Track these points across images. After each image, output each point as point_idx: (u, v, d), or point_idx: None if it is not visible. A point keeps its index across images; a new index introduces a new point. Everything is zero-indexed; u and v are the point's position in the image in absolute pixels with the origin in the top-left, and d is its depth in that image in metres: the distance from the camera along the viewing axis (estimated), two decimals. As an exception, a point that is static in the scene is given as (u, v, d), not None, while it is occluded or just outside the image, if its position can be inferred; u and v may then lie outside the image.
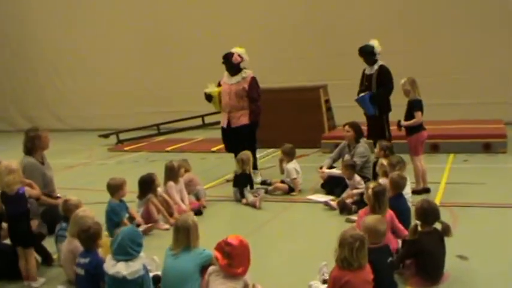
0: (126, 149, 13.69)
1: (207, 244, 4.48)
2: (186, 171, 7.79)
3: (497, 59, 13.87)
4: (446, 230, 4.63)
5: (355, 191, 7.16)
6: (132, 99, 17.49)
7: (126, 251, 4.26)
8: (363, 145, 7.93)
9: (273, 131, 11.68)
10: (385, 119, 8.50)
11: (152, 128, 15.19)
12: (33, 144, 6.52)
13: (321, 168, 8.22)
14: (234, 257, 4.06)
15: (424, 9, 14.54)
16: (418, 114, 7.49)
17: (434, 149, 10.49)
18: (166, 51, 17.05)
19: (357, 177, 7.36)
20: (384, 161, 6.76)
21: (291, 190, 8.12)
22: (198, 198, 7.69)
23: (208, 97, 8.99)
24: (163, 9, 17.14)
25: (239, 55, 8.67)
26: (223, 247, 4.09)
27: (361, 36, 9.33)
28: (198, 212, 7.26)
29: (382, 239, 4.53)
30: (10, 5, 19.17)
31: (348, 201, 7.04)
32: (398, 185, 5.83)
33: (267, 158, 11.09)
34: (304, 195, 7.97)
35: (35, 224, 5.53)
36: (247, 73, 8.75)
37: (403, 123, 7.67)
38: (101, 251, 4.61)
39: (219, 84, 8.94)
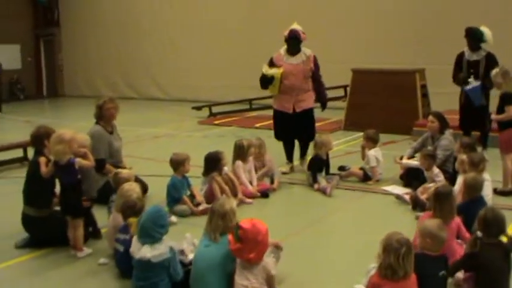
0: (216, 122, 13.68)
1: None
2: (260, 154, 7.47)
3: None
4: (512, 245, 4.06)
5: (431, 184, 6.45)
6: (228, 72, 17.46)
7: (149, 233, 4.10)
8: (448, 137, 7.24)
9: (363, 114, 11.25)
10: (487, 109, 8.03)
11: (245, 103, 15.10)
12: (99, 114, 6.60)
13: (400, 158, 7.67)
14: (246, 242, 3.77)
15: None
16: (510, 108, 6.70)
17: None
18: (262, 26, 16.84)
19: (435, 169, 6.64)
20: (465, 158, 6.14)
21: (367, 178, 7.65)
22: (272, 181, 7.44)
23: (268, 80, 7.93)
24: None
25: (302, 32, 7.92)
26: (235, 230, 3.83)
27: (466, 22, 8.85)
28: (265, 195, 7.04)
29: (440, 247, 4.05)
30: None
31: (423, 196, 6.45)
32: (472, 188, 5.20)
33: (355, 142, 10.60)
34: (381, 185, 7.45)
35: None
36: (308, 52, 7.99)
37: (494, 117, 6.95)
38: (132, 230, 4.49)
39: (272, 65, 8.00)
